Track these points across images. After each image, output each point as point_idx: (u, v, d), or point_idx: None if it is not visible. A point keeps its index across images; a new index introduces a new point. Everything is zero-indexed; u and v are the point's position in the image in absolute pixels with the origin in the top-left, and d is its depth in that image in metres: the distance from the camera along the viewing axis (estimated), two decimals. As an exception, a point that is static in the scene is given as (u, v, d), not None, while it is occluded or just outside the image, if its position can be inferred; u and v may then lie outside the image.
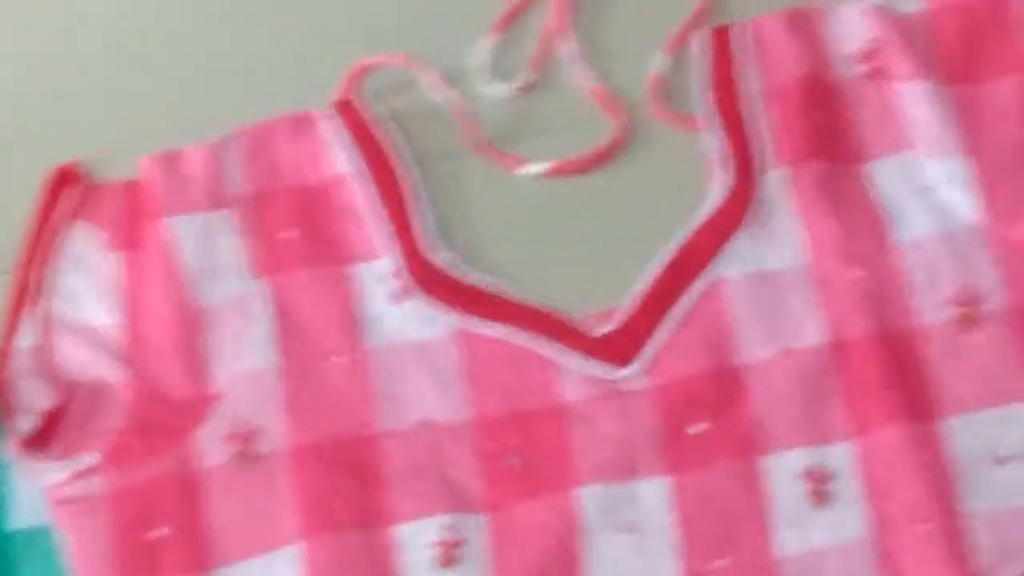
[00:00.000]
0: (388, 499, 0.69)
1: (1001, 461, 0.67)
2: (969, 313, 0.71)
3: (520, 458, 0.70)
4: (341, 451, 0.71)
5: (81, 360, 0.72)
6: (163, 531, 0.70)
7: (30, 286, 0.73)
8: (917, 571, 0.66)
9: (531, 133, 0.79)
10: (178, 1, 0.87)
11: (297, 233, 0.74)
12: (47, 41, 0.86)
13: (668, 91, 0.78)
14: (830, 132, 0.75)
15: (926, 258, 0.71)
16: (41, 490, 0.71)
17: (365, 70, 0.78)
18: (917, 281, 0.71)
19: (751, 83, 0.76)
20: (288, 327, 0.72)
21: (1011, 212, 0.71)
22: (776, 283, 0.71)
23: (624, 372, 0.69)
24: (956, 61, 0.76)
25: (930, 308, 0.71)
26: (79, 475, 0.69)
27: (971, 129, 0.73)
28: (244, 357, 0.71)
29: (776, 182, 0.73)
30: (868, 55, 0.76)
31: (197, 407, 0.70)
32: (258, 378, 0.71)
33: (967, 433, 0.68)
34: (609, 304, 0.72)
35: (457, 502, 0.69)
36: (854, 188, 0.73)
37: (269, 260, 0.74)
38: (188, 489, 0.70)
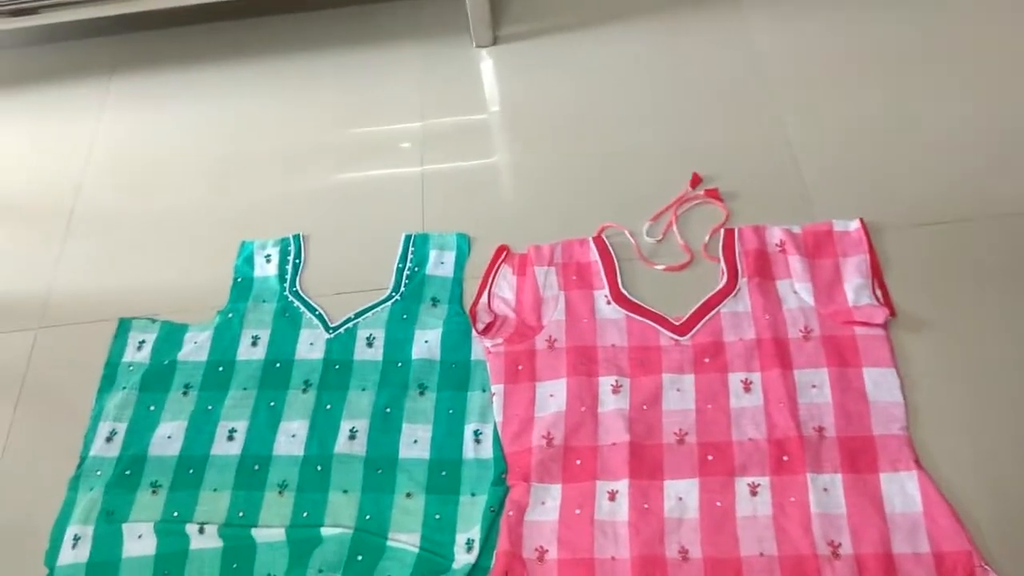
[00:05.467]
0: (597, 368, 1.51)
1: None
2: (808, 335, 1.49)
3: (645, 363, 1.49)
4: (585, 353, 1.50)
5: (500, 308, 1.62)
6: (520, 367, 1.51)
7: (487, 284, 1.66)
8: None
9: (661, 255, 1.66)
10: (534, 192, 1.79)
11: (576, 278, 1.64)
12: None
13: (708, 247, 1.67)
14: (764, 267, 1.59)
15: (794, 315, 1.52)
16: (483, 347, 1.59)
17: (605, 227, 1.72)
18: (790, 321, 1.51)
19: (738, 247, 1.63)
20: (569, 308, 1.59)
21: (825, 302, 1.54)
22: (740, 317, 1.54)
23: (684, 338, 1.53)
24: (811, 248, 1.59)
25: (794, 332, 1.49)
26: (496, 345, 1.54)
27: (812, 273, 1.57)
28: (554, 314, 1.60)
29: (743, 282, 1.60)
30: (779, 244, 1.63)
31: (537, 328, 1.58)
32: (558, 321, 1.58)
33: (802, 381, 1.45)
34: (681, 313, 1.57)
35: (620, 371, 1.49)
36: (772, 288, 1.57)
37: (566, 284, 1.62)
38: (530, 354, 1.53)
